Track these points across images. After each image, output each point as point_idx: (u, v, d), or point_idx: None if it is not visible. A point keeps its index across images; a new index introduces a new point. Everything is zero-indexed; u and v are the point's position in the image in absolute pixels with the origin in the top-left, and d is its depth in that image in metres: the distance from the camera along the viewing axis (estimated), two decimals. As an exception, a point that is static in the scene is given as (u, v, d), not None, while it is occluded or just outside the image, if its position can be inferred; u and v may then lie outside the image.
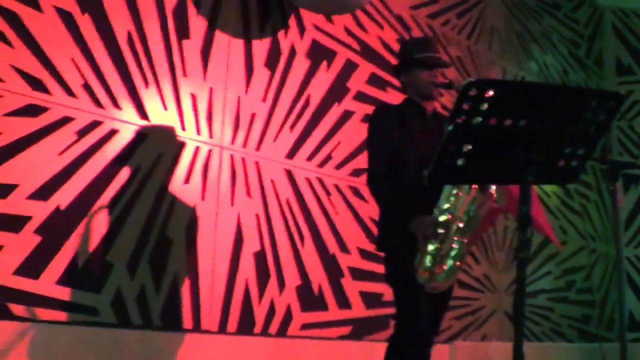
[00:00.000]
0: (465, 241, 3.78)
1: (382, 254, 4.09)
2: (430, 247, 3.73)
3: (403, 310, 3.91)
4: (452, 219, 3.74)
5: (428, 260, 3.72)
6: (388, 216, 4.01)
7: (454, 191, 3.77)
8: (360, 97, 5.92)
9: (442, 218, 3.72)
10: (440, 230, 3.71)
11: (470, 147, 2.57)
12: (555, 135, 2.62)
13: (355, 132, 5.72)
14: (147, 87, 4.53)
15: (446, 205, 3.75)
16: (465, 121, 2.49)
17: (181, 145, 4.68)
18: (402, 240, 3.83)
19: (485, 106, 2.47)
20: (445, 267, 3.73)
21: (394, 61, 4.47)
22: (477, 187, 3.74)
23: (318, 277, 5.36)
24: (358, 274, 5.62)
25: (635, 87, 9.56)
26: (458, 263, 3.78)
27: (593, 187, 9.21)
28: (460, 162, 2.60)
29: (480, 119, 2.50)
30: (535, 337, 7.70)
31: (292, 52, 5.49)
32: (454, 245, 3.75)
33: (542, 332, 7.83)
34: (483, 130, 2.53)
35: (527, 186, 2.62)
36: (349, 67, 5.94)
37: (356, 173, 5.72)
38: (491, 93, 2.44)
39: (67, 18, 4.20)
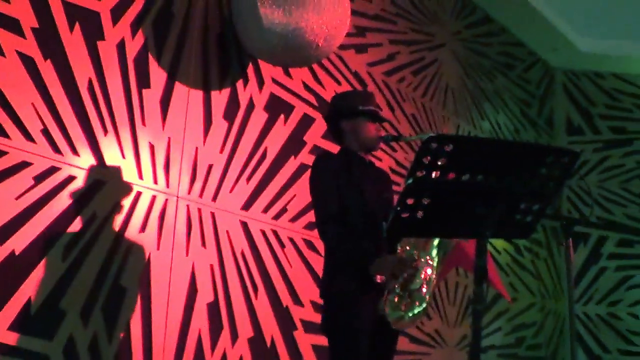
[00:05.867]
0: (433, 277, 3.80)
1: (322, 301, 4.07)
2: (397, 286, 3.74)
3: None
4: (419, 256, 3.77)
5: (395, 299, 3.73)
6: (342, 260, 3.97)
7: None
8: (316, 150, 5.95)
9: (408, 255, 3.76)
10: (408, 268, 3.73)
11: (428, 200, 2.63)
12: (512, 191, 2.68)
13: (311, 185, 5.76)
14: (106, 134, 4.54)
15: (410, 245, 3.79)
16: (424, 175, 2.55)
17: (138, 194, 4.68)
18: (357, 283, 3.83)
19: (444, 161, 2.53)
20: (416, 304, 3.75)
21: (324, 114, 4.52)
22: None
23: (271, 329, 5.35)
24: (311, 327, 5.61)
25: (585, 147, 9.75)
26: (427, 299, 3.80)
27: (543, 245, 9.33)
28: (418, 215, 2.65)
29: (439, 173, 2.56)
30: (484, 393, 7.73)
31: (251, 105, 5.53)
32: (424, 282, 3.77)
33: (492, 389, 7.87)
34: (441, 184, 2.58)
35: (484, 240, 2.68)
36: (306, 121, 5.99)
37: (311, 226, 5.73)
38: (450, 148, 2.51)
39: (29, 63, 4.20)
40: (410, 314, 3.77)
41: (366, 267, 3.79)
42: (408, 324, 3.81)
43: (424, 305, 3.79)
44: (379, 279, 3.80)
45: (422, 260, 3.81)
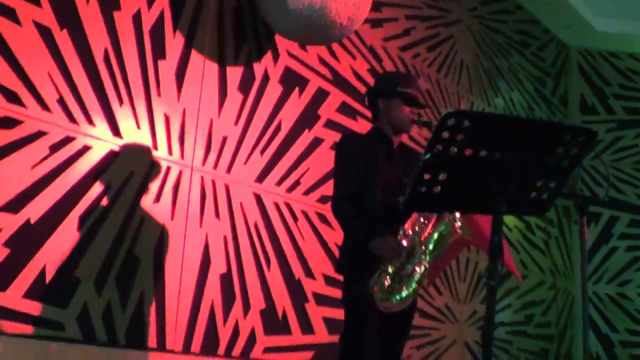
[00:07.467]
0: (427, 266, 3.82)
1: (341, 277, 4.11)
2: (391, 268, 3.78)
3: (351, 333, 3.93)
4: (418, 244, 3.80)
5: (386, 280, 3.76)
6: (351, 239, 4.03)
7: (421, 219, 3.84)
8: (331, 125, 5.97)
9: (407, 241, 3.78)
10: (404, 253, 3.77)
11: (445, 176, 2.63)
12: (528, 168, 2.68)
13: (325, 159, 5.76)
14: (121, 105, 4.55)
15: (412, 230, 3.81)
16: (442, 150, 2.55)
17: (152, 164, 4.70)
18: (363, 261, 3.87)
19: (461, 137, 2.53)
20: (403, 289, 3.77)
21: (365, 91, 4.53)
22: (444, 216, 3.81)
23: (283, 301, 5.38)
24: (322, 300, 5.64)
25: (598, 127, 9.72)
26: (416, 286, 3.81)
27: (554, 223, 9.33)
28: (435, 190, 2.65)
29: (456, 149, 2.56)
30: (493, 369, 7.74)
31: (266, 78, 5.54)
32: (416, 269, 3.79)
33: (500, 365, 7.90)
34: (459, 160, 2.58)
35: (500, 216, 2.68)
36: (321, 95, 6.00)
37: (324, 200, 5.75)
38: (468, 124, 2.51)
39: (45, 33, 4.22)
40: (398, 297, 3.79)
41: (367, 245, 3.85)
42: (394, 306, 3.83)
43: (411, 290, 3.81)
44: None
45: (419, 248, 3.83)
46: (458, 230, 3.85)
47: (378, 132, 4.20)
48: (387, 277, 3.78)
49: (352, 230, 3.99)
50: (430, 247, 3.83)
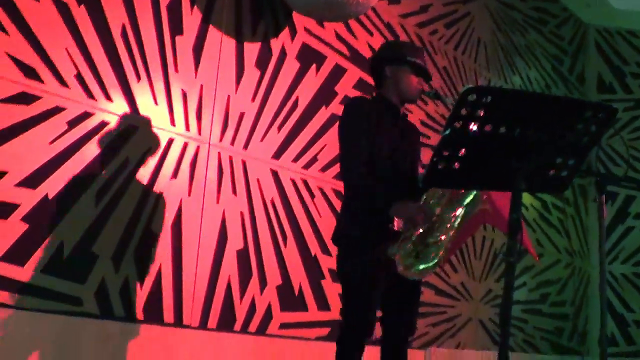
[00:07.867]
0: (452, 234, 3.76)
1: (337, 247, 3.99)
2: (414, 235, 3.71)
3: (352, 307, 3.83)
4: (444, 211, 3.74)
5: (410, 247, 3.70)
6: (363, 204, 3.86)
7: (440, 190, 3.78)
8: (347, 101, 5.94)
9: (434, 207, 3.73)
10: (428, 220, 3.70)
11: (464, 152, 2.62)
12: (548, 145, 2.67)
13: (341, 136, 5.75)
14: (139, 81, 4.55)
15: (433, 198, 3.75)
16: (461, 126, 2.54)
17: (170, 140, 4.70)
18: (374, 227, 3.78)
19: (481, 112, 2.52)
20: (431, 256, 3.70)
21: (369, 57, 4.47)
22: None
23: (299, 277, 5.39)
24: (338, 277, 5.64)
25: (616, 106, 9.61)
26: (441, 253, 3.75)
27: (571, 202, 9.30)
28: (454, 166, 2.65)
29: (476, 125, 2.55)
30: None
31: (283, 54, 5.52)
32: (442, 237, 3.73)
33: (516, 343, 7.89)
34: (478, 136, 2.57)
35: (519, 193, 2.67)
36: (338, 72, 5.98)
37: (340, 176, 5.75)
38: (489, 100, 2.49)
39: (63, 8, 4.21)
40: (421, 266, 3.72)
41: (383, 210, 3.72)
42: (415, 274, 3.75)
43: (436, 260, 3.74)
44: (395, 226, 3.76)
45: (446, 216, 3.77)
46: (484, 198, 3.80)
47: (384, 99, 4.11)
48: (411, 244, 3.72)
49: (366, 190, 3.83)
50: (458, 213, 3.77)
